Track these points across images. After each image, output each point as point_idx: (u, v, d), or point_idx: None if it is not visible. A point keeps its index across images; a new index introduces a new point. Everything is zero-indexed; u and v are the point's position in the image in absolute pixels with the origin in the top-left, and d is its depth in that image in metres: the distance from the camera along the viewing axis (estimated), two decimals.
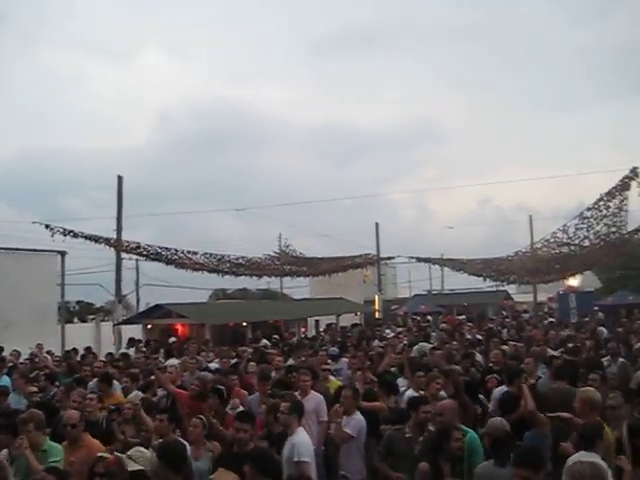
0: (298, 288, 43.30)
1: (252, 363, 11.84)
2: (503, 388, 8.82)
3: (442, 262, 36.14)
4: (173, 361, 12.76)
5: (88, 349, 16.51)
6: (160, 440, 6.65)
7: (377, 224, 37.57)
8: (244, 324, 26.04)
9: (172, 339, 20.64)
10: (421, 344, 14.88)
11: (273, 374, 10.64)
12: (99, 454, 5.75)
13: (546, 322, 23.79)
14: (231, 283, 35.82)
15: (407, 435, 6.85)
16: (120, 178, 25.72)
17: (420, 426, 6.80)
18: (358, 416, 7.70)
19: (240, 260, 31.90)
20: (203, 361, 13.45)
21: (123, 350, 17.99)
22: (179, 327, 24.43)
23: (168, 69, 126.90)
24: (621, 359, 11.38)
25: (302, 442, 6.56)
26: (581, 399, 6.61)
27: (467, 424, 7.02)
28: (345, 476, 7.47)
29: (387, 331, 22.23)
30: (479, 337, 17.76)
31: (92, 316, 41.92)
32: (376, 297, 37.35)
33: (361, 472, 7.51)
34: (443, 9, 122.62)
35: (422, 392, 8.45)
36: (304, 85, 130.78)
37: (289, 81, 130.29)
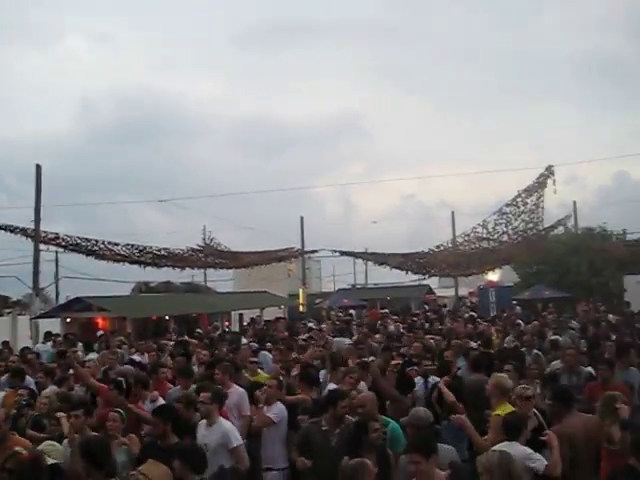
0: (222, 281, 43.13)
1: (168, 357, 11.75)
2: (420, 379, 9.20)
3: (365, 256, 36.53)
4: (94, 355, 12.50)
5: (5, 343, 16.02)
6: (76, 436, 6.51)
7: (302, 218, 37.65)
8: (167, 317, 25.72)
9: (100, 332, 20.12)
10: (338, 339, 15.02)
11: (195, 368, 10.57)
12: (16, 449, 5.59)
13: (467, 315, 24.25)
14: (155, 276, 35.43)
15: (324, 428, 6.88)
16: (39, 167, 24.97)
17: (337, 420, 6.85)
18: (280, 405, 7.78)
19: (163, 252, 31.59)
20: (125, 354, 13.21)
21: (28, 345, 17.41)
22: (100, 321, 23.90)
23: (91, 55, 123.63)
24: (535, 351, 11.75)
25: (232, 428, 6.86)
26: (492, 384, 7.01)
27: (399, 416, 7.16)
28: (270, 468, 7.50)
29: (310, 324, 22.27)
30: (403, 331, 18.01)
31: (8, 310, 40.56)
32: (300, 291, 37.43)
33: (284, 461, 7.58)
34: (372, 5, 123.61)
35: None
36: (232, 76, 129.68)
37: (217, 72, 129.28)
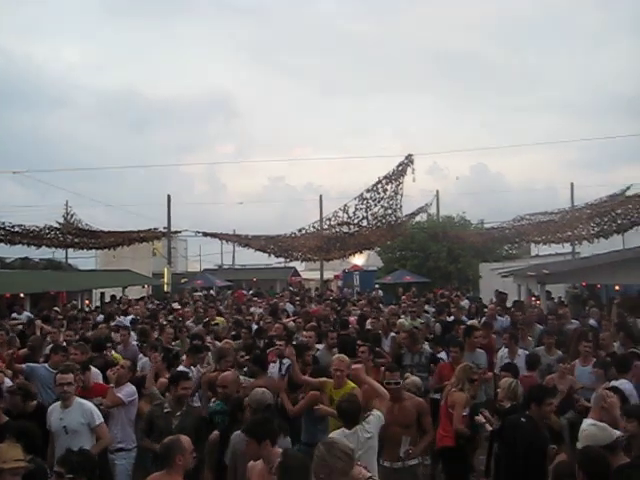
0: (84, 258, 41.72)
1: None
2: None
3: (228, 237, 36.33)
4: None
5: None
6: None
7: (169, 196, 36.77)
8: (22, 295, 24.64)
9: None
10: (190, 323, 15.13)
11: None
12: None
13: (331, 299, 24.57)
14: (11, 252, 33.86)
15: (166, 410, 6.98)
16: None
17: (178, 400, 6.97)
18: (131, 386, 7.87)
19: (17, 228, 30.21)
20: None
21: None
22: None
23: None
24: (392, 334, 12.20)
25: (93, 406, 6.87)
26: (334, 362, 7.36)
27: None
28: (120, 449, 7.54)
29: (174, 305, 21.97)
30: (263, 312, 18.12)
31: None
32: (165, 270, 36.86)
33: (134, 440, 7.73)
34: None
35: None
36: (101, 47, 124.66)
37: (85, 41, 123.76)
